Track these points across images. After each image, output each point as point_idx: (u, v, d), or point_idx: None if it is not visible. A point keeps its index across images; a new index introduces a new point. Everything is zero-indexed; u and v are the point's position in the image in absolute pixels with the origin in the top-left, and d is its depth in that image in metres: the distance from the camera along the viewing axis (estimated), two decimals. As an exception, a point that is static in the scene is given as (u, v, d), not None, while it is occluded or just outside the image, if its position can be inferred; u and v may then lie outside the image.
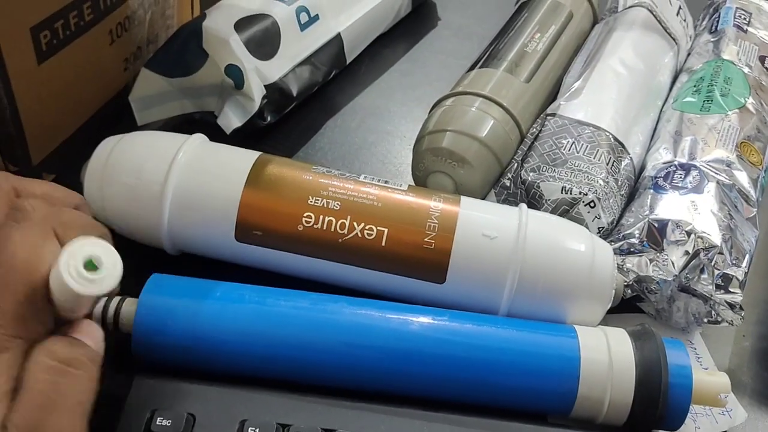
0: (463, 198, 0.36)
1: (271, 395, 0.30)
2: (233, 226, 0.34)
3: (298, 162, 0.37)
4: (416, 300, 0.34)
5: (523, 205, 0.36)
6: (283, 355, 0.31)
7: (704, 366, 0.38)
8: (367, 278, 0.35)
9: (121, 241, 0.35)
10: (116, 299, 0.32)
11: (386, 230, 0.34)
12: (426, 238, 0.34)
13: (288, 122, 0.49)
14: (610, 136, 0.41)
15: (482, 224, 0.34)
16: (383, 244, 0.34)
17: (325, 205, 0.34)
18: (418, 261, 0.34)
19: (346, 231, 0.34)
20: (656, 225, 0.37)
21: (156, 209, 0.35)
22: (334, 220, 0.34)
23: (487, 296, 0.34)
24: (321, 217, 0.34)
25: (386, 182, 0.36)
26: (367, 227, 0.34)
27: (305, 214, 0.34)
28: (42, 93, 0.38)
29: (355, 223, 0.34)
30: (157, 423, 0.29)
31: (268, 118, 0.45)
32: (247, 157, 0.36)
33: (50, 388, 0.24)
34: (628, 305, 0.38)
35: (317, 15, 0.48)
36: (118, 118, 0.44)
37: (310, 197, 0.34)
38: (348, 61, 0.52)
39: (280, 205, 0.34)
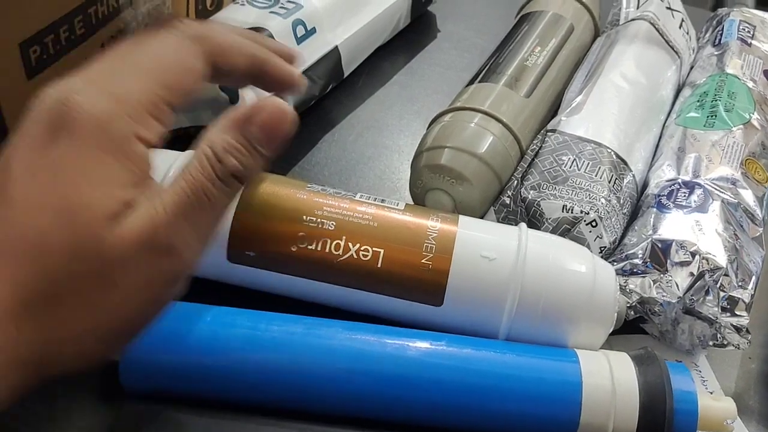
0: (461, 218, 0.35)
1: (263, 423, 0.30)
2: (225, 247, 0.34)
3: (292, 180, 0.36)
4: (414, 323, 0.34)
5: (523, 225, 0.35)
6: (276, 382, 0.30)
7: (709, 389, 0.37)
8: (364, 300, 0.34)
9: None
10: None
11: (382, 251, 0.33)
12: (423, 259, 0.33)
13: (284, 137, 0.48)
14: (612, 152, 0.40)
15: (481, 245, 0.34)
16: (379, 265, 0.33)
17: (320, 225, 0.33)
18: (415, 282, 0.33)
19: (341, 252, 0.33)
20: (660, 245, 0.36)
21: None
22: (328, 241, 0.33)
23: (487, 318, 0.33)
24: (315, 237, 0.33)
25: (383, 201, 0.35)
26: (362, 248, 0.33)
27: (299, 235, 0.33)
28: (31, 109, 0.37)
29: (350, 244, 0.33)
30: (145, 453, 0.28)
31: (264, 133, 0.44)
32: None
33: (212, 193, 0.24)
34: (631, 326, 0.38)
35: (314, 28, 0.48)
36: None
37: (304, 216, 0.34)
38: (346, 74, 0.52)
39: (272, 225, 0.34)
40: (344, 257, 0.33)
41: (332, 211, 0.34)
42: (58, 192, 0.22)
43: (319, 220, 0.34)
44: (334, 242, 0.33)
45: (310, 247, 0.33)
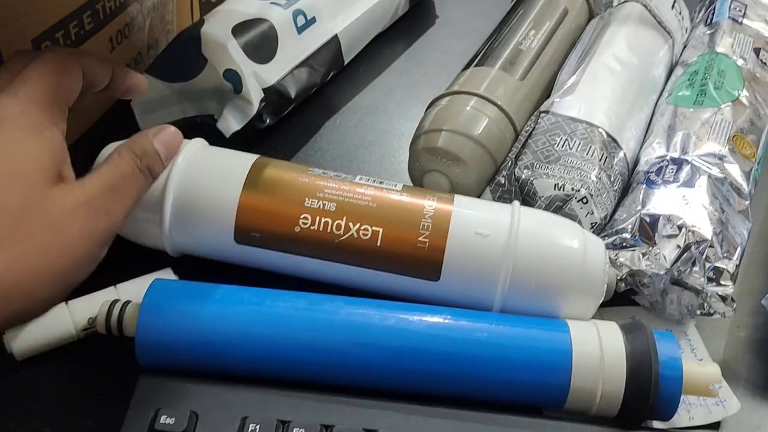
0: (456, 197, 0.37)
1: (271, 393, 0.31)
2: (232, 229, 0.35)
3: (295, 164, 0.38)
4: (412, 297, 0.35)
5: (516, 202, 0.37)
6: (282, 355, 0.32)
7: (699, 357, 0.38)
8: (364, 277, 0.36)
9: (124, 244, 0.37)
10: (119, 304, 0.33)
11: (381, 230, 0.35)
12: (420, 237, 0.35)
13: (287, 123, 0.50)
14: (603, 132, 0.42)
15: (475, 222, 0.35)
16: (378, 243, 0.35)
17: (322, 207, 0.35)
18: (413, 259, 0.35)
19: (342, 232, 0.35)
20: (648, 220, 0.38)
21: (157, 214, 0.35)
22: (330, 221, 0.35)
23: (481, 292, 0.35)
24: (318, 218, 0.35)
25: (381, 183, 0.37)
26: (362, 227, 0.35)
27: (302, 216, 0.35)
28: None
29: (350, 224, 0.35)
30: (161, 421, 0.29)
31: (267, 121, 0.46)
32: (245, 160, 0.37)
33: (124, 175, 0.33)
34: (622, 298, 0.39)
35: (314, 17, 0.49)
36: (120, 123, 0.45)
37: (307, 199, 0.35)
38: (346, 62, 0.53)
39: (277, 207, 0.35)
40: (345, 237, 0.35)
41: (333, 193, 0.35)
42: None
43: (320, 201, 0.35)
44: (335, 222, 0.35)
45: (312, 227, 0.35)
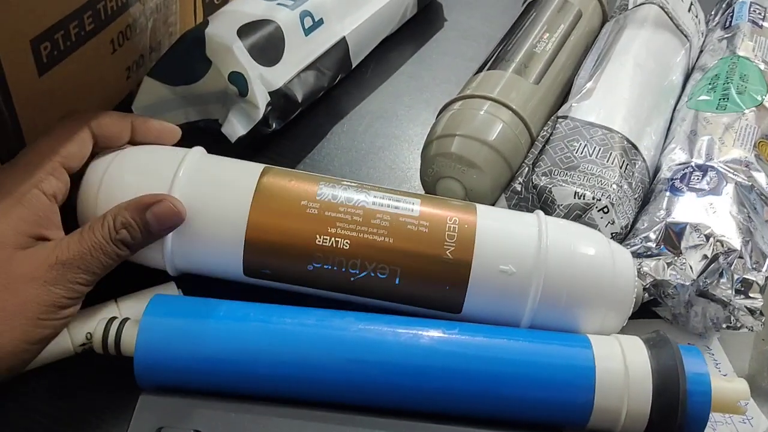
0: (479, 223, 0.34)
1: (276, 411, 0.30)
2: (241, 264, 0.33)
3: (304, 177, 0.35)
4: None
5: (541, 217, 0.34)
6: (289, 374, 0.31)
7: (723, 372, 0.37)
8: (382, 306, 0.34)
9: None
10: (117, 322, 0.31)
11: (399, 269, 0.33)
12: (440, 276, 0.33)
13: (294, 128, 0.48)
14: (623, 138, 0.40)
15: (500, 257, 0.33)
16: (397, 282, 0.33)
17: (335, 245, 0.33)
18: (433, 299, 0.33)
19: (357, 270, 0.33)
20: (674, 228, 0.36)
21: (159, 244, 0.33)
22: (344, 260, 0.33)
23: (506, 320, 0.34)
24: (331, 257, 0.33)
25: (397, 203, 0.34)
26: (379, 266, 0.33)
27: (315, 255, 0.33)
28: (43, 104, 0.37)
29: (366, 263, 0.33)
30: (163, 441, 0.28)
31: (273, 125, 0.45)
32: (248, 180, 0.34)
33: None
34: (643, 310, 0.38)
35: (321, 19, 0.48)
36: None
37: (318, 236, 0.33)
38: (354, 65, 0.52)
39: (287, 244, 0.33)
40: (361, 276, 0.33)
41: (346, 227, 0.33)
42: None
43: (333, 239, 0.33)
44: (350, 262, 0.33)
45: (326, 266, 0.33)
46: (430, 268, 0.33)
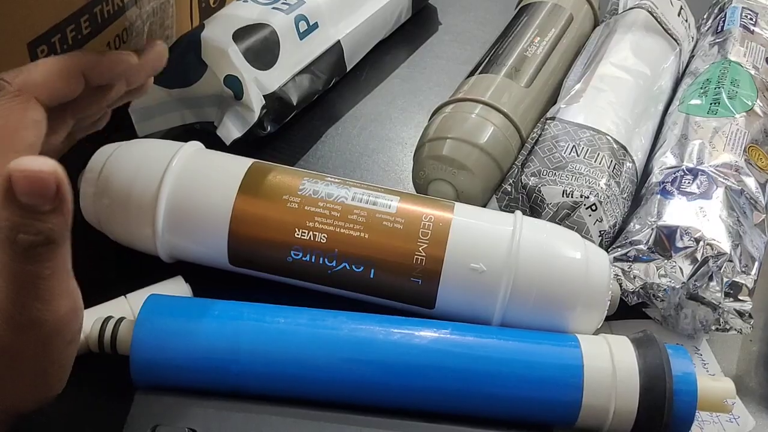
0: (455, 220, 0.34)
1: (270, 410, 0.30)
2: (226, 254, 0.35)
3: (289, 172, 0.36)
4: (409, 313, 0.35)
5: (519, 217, 0.35)
6: (283, 372, 0.31)
7: (711, 372, 0.37)
8: (359, 299, 0.35)
9: (134, 252, 0.36)
10: (113, 321, 0.31)
11: (374, 263, 0.34)
12: (413, 272, 0.34)
13: (289, 130, 0.49)
14: (611, 139, 0.41)
15: (471, 255, 0.34)
16: (372, 276, 0.34)
17: (312, 238, 0.34)
18: (407, 293, 0.34)
19: (334, 264, 0.34)
20: (664, 231, 0.37)
21: (149, 221, 0.35)
22: (321, 254, 0.34)
23: (479, 315, 0.34)
24: (309, 250, 0.34)
25: (376, 200, 0.35)
26: (354, 260, 0.34)
27: (293, 247, 0.34)
28: (41, 107, 0.38)
29: (342, 256, 0.34)
30: (158, 439, 0.28)
31: (268, 128, 0.45)
32: (234, 178, 0.35)
33: None
34: (633, 311, 0.38)
35: (316, 23, 0.48)
36: (117, 129, 0.44)
37: (297, 230, 0.34)
38: (348, 69, 0.52)
39: (267, 236, 0.34)
40: (338, 269, 0.34)
41: (323, 222, 0.34)
42: None
43: (310, 233, 0.34)
44: (327, 254, 0.34)
45: (304, 259, 0.34)
46: (403, 264, 0.34)
